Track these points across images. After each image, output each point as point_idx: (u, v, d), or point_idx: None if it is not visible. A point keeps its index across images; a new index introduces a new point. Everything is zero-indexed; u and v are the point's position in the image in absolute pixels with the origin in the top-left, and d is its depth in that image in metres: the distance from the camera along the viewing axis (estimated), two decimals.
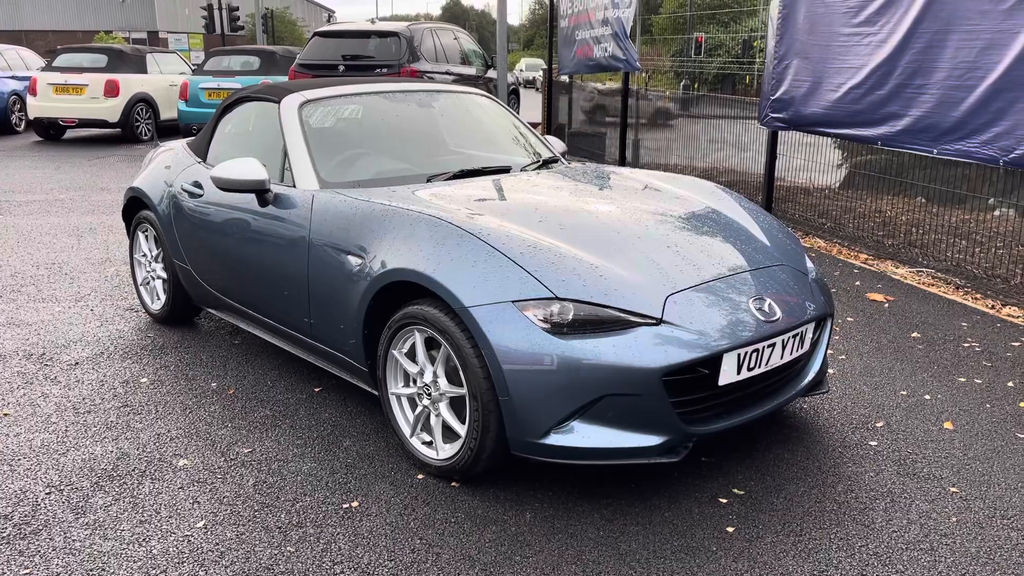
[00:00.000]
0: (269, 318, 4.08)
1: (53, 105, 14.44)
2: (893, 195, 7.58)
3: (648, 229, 3.44)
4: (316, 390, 4.07)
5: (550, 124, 14.50)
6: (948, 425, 3.72)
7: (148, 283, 5.10)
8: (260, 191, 3.85)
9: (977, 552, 2.80)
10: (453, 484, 3.19)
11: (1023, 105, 5.15)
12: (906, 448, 3.50)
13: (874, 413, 3.83)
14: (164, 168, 4.83)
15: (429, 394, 3.22)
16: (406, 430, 3.34)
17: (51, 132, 15.29)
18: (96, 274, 6.11)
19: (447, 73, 12.80)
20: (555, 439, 2.92)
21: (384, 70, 11.91)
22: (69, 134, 16.00)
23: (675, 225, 3.55)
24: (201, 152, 4.70)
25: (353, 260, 3.41)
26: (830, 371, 4.30)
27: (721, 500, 3.10)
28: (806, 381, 3.42)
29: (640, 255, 3.21)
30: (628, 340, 2.89)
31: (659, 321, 2.95)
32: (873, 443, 3.55)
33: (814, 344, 3.48)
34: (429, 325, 3.09)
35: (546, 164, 4.53)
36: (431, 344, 3.20)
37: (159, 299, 4.99)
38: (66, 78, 14.49)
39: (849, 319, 5.17)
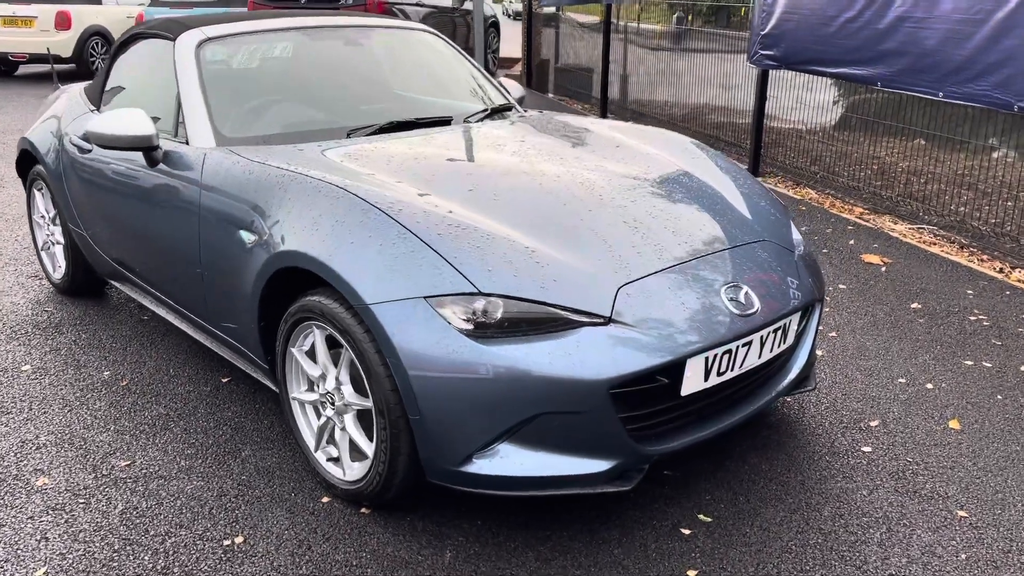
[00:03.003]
0: (168, 297, 3.49)
1: (1, 39, 13.53)
2: (890, 138, 6.96)
3: (602, 199, 2.85)
4: (224, 380, 3.51)
5: (531, 60, 13.69)
6: (954, 424, 3.19)
7: (48, 248, 4.49)
8: (147, 148, 3.23)
9: None
10: (363, 510, 2.65)
11: None
12: (905, 455, 2.98)
13: (868, 408, 3.30)
14: (54, 117, 4.18)
15: (333, 403, 2.66)
16: (310, 442, 2.79)
17: (2, 68, 14.40)
18: (7, 233, 5.48)
19: (419, 5, 11.98)
20: (479, 466, 2.37)
21: (349, 1, 11.09)
22: (23, 70, 15.10)
23: (636, 193, 2.95)
24: (95, 99, 4.05)
25: (246, 236, 2.82)
26: (818, 351, 3.76)
27: (683, 531, 2.58)
28: (788, 379, 2.87)
29: (589, 234, 2.63)
30: (568, 345, 2.32)
31: (608, 320, 2.38)
32: (866, 449, 3.02)
33: (799, 335, 2.92)
34: (328, 322, 2.51)
35: (497, 113, 3.90)
36: (334, 343, 2.63)
37: (60, 267, 4.39)
38: (14, 10, 13.54)
39: (841, 286, 4.61)
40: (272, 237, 2.69)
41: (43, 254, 4.53)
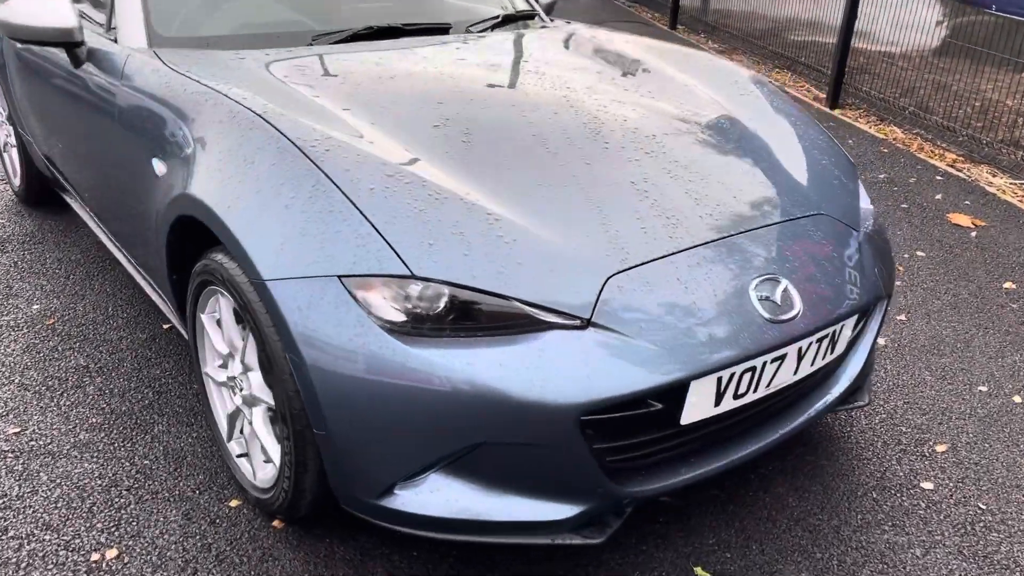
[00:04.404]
0: (100, 221, 2.97)
1: None
2: (998, 70, 5.98)
3: (608, 148, 2.18)
4: (164, 327, 3.00)
5: None
6: None
7: (7, 150, 3.99)
8: (69, 44, 2.64)
9: None
10: (275, 524, 2.13)
11: None
12: (977, 499, 2.33)
13: (935, 424, 2.63)
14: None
15: (241, 389, 2.11)
16: (223, 430, 2.27)
17: None
18: None
19: None
20: (403, 500, 1.81)
21: None
22: None
23: (656, 142, 2.27)
24: None
25: (157, 166, 2.24)
26: (880, 341, 3.07)
27: None
28: (832, 396, 2.22)
29: (581, 198, 1.98)
30: (528, 354, 1.71)
31: (587, 322, 1.75)
32: (927, 486, 2.37)
33: (853, 340, 2.25)
34: (230, 291, 1.94)
35: (513, 22, 3.19)
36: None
37: (18, 173, 3.89)
38: None
39: (919, 253, 3.86)
40: (178, 172, 2.11)
41: (4, 156, 4.04)
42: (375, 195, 1.82)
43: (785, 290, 1.95)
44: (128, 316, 3.05)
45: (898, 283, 3.54)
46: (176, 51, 2.50)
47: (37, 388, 2.62)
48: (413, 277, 1.72)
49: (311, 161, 1.87)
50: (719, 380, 1.84)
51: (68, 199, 3.45)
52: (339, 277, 1.74)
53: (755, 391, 1.93)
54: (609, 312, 1.77)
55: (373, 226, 1.77)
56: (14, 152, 3.85)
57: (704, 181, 2.14)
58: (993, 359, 3.01)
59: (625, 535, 2.14)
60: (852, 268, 2.13)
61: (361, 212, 1.78)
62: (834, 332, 2.05)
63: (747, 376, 1.89)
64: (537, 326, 1.73)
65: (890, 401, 2.74)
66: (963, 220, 4.26)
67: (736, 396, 1.90)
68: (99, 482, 2.24)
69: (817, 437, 2.55)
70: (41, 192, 3.79)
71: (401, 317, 1.72)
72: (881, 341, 3.08)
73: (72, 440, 2.39)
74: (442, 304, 1.73)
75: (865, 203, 2.44)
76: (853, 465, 2.44)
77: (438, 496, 1.80)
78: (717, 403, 1.88)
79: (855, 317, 2.12)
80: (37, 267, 3.38)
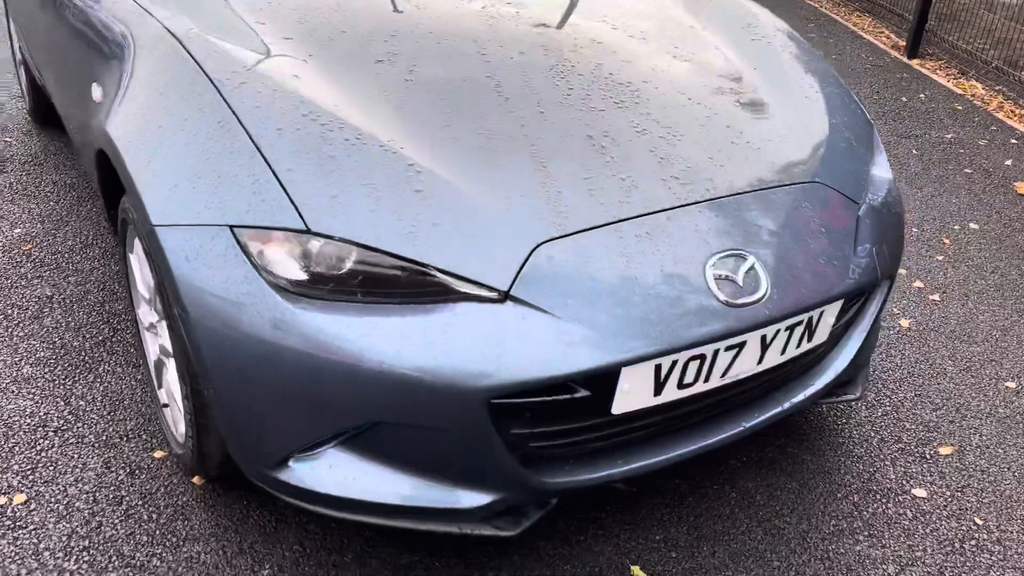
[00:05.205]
0: (73, 144, 2.87)
1: None
2: None
3: (571, 95, 1.93)
4: None
5: None
6: None
7: (19, 66, 3.93)
8: None
9: None
10: (194, 480, 2.02)
11: None
12: (974, 513, 2.06)
13: (945, 423, 2.35)
14: None
15: (159, 336, 1.98)
16: (153, 377, 2.15)
17: None
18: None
19: None
20: (299, 475, 1.66)
21: None
22: None
23: (630, 90, 2.01)
24: None
25: (95, 91, 2.10)
26: (902, 322, 2.78)
27: None
28: (815, 387, 1.97)
29: (524, 151, 1.75)
30: (433, 327, 1.52)
31: (505, 296, 1.55)
32: (920, 493, 2.12)
33: (843, 329, 1.99)
34: (140, 232, 1.79)
35: None
36: None
37: (27, 89, 3.83)
38: None
39: (973, 226, 3.48)
40: (107, 100, 1.96)
41: (21, 70, 3.98)
42: (283, 136, 1.63)
43: (751, 269, 1.70)
44: (106, 246, 2.96)
45: (940, 258, 3.20)
46: None
47: None
48: (308, 232, 1.54)
49: (220, 95, 1.69)
50: (657, 368, 1.62)
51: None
52: (231, 227, 1.57)
53: (706, 381, 1.71)
54: (533, 285, 1.56)
55: (273, 172, 1.59)
56: (23, 69, 3.78)
57: (677, 139, 1.88)
58: None
59: (564, 522, 1.96)
60: (842, 247, 1.86)
61: (263, 155, 1.61)
62: (811, 319, 1.80)
63: (694, 364, 1.66)
64: (446, 296, 1.54)
65: (899, 392, 2.47)
66: None
67: (681, 386, 1.68)
68: (28, 421, 2.16)
69: (805, 427, 2.31)
70: (48, 110, 3.72)
71: (302, 276, 1.55)
72: (904, 323, 2.78)
73: (14, 374, 2.32)
74: (347, 265, 1.55)
75: (880, 171, 2.14)
76: (840, 463, 2.19)
77: (335, 473, 1.64)
78: (657, 392, 1.66)
79: (839, 303, 1.85)
80: (31, 189, 3.31)
